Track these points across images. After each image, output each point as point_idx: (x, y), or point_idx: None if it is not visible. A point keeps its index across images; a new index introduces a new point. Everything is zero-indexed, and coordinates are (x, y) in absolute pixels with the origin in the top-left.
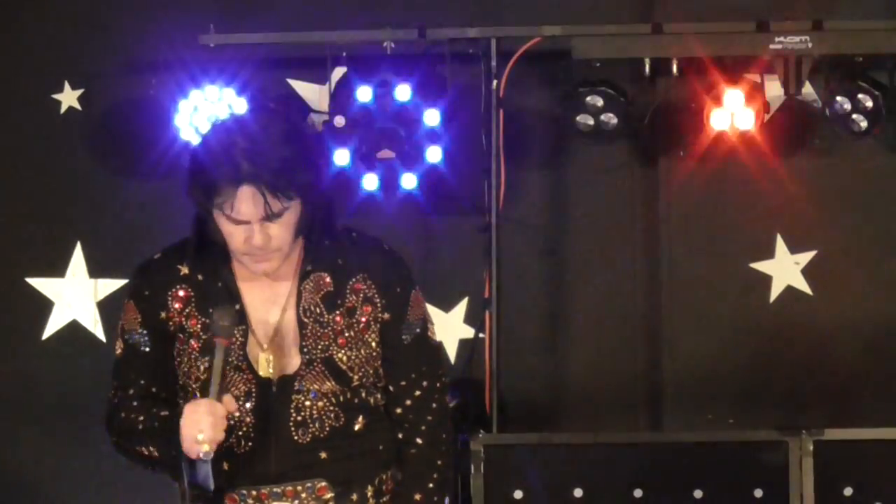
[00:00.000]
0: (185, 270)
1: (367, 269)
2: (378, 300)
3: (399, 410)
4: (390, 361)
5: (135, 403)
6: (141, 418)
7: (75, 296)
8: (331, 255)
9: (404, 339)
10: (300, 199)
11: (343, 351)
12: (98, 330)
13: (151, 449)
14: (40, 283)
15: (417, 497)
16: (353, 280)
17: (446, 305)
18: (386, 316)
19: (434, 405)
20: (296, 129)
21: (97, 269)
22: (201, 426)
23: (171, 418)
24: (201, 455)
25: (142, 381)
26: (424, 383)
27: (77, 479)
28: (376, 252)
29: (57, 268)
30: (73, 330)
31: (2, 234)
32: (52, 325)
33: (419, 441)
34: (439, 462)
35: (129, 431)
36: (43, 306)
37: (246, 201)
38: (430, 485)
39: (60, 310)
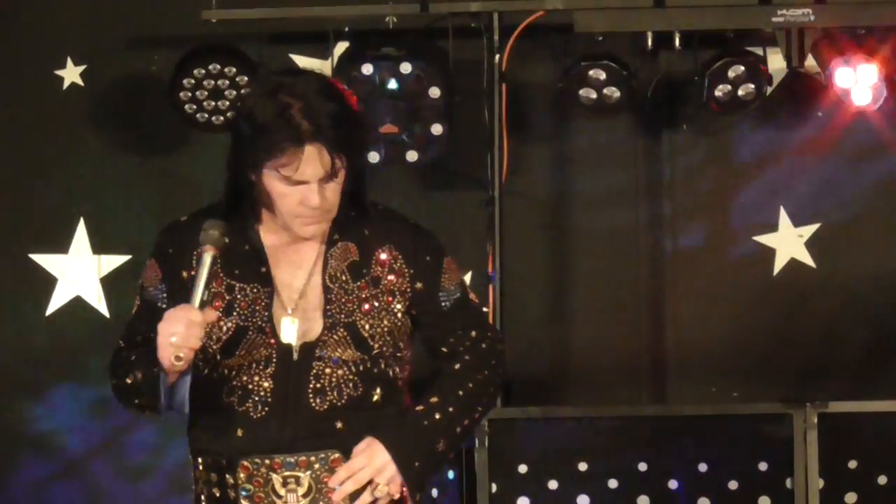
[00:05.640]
0: None
1: (392, 240)
2: (406, 270)
3: (456, 357)
4: (433, 328)
5: (135, 347)
6: (133, 356)
7: (79, 272)
8: (357, 226)
9: (444, 306)
10: (349, 160)
11: (366, 319)
12: (101, 306)
13: (136, 374)
14: (44, 260)
15: (433, 400)
16: (379, 250)
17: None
18: (418, 285)
19: (484, 345)
20: (337, 87)
21: (100, 245)
22: (175, 330)
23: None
24: (173, 360)
25: (151, 335)
26: (473, 333)
27: (81, 454)
28: (402, 224)
29: (60, 244)
30: (77, 306)
31: (5, 211)
32: (56, 301)
33: (467, 358)
34: (479, 377)
35: (123, 365)
36: (47, 282)
37: (312, 161)
38: (452, 397)
39: (64, 286)
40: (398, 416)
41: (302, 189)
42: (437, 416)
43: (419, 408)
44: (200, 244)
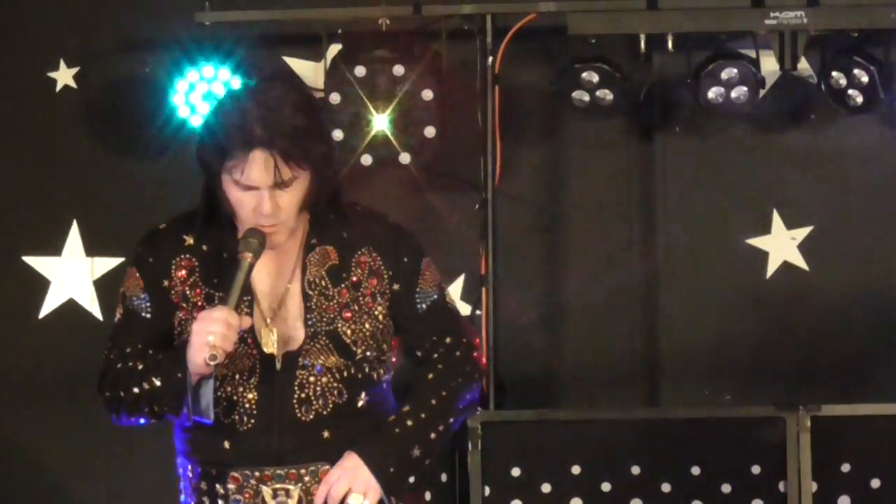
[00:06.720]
0: (189, 241)
1: (371, 241)
2: (385, 271)
3: (429, 366)
4: (408, 331)
5: (133, 358)
6: (140, 365)
7: (72, 274)
8: (336, 229)
9: (419, 308)
10: (311, 170)
11: (348, 325)
12: (95, 308)
13: (153, 380)
14: (37, 262)
15: (405, 409)
16: (358, 253)
17: (442, 282)
18: (396, 287)
19: (458, 353)
20: (309, 101)
21: (94, 247)
22: (213, 330)
23: (175, 351)
24: (207, 359)
25: (139, 345)
26: (448, 340)
27: (74, 457)
28: (381, 225)
29: (53, 246)
30: (70, 308)
31: None
32: (49, 304)
33: (440, 367)
34: (453, 385)
35: (126, 376)
36: (39, 285)
37: (257, 166)
38: (424, 405)
39: (57, 288)
40: (376, 426)
41: (255, 195)
42: (409, 424)
43: (391, 418)
44: (239, 251)
